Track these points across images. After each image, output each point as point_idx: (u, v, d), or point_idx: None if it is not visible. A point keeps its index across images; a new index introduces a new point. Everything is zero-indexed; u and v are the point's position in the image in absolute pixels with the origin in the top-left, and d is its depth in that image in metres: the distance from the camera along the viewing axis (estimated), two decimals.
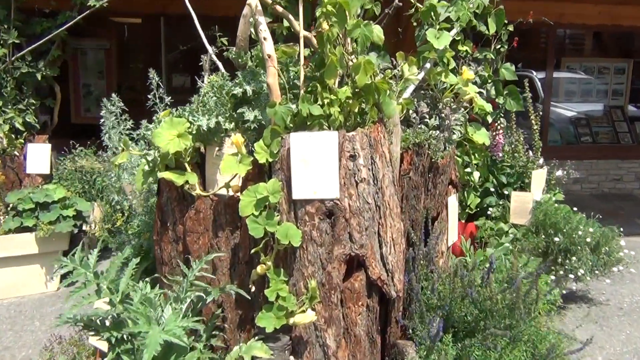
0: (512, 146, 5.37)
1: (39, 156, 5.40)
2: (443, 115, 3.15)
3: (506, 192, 5.38)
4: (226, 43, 3.22)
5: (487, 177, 5.20)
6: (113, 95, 4.58)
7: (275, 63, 2.60)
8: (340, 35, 2.58)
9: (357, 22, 2.48)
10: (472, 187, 5.20)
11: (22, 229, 4.68)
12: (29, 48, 5.23)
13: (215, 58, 3.26)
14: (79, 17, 5.18)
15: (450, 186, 3.33)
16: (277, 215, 2.55)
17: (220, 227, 2.70)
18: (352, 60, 2.60)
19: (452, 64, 3.19)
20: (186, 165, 2.75)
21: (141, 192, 3.56)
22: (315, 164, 2.45)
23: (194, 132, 2.72)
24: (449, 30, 3.29)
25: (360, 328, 2.56)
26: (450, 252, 3.36)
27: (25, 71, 5.30)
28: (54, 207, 4.79)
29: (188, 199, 2.75)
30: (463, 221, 4.83)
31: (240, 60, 2.98)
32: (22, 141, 5.40)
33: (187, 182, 2.66)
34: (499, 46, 5.21)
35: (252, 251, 2.56)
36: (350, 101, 2.63)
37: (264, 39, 2.60)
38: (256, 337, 2.58)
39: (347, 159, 2.46)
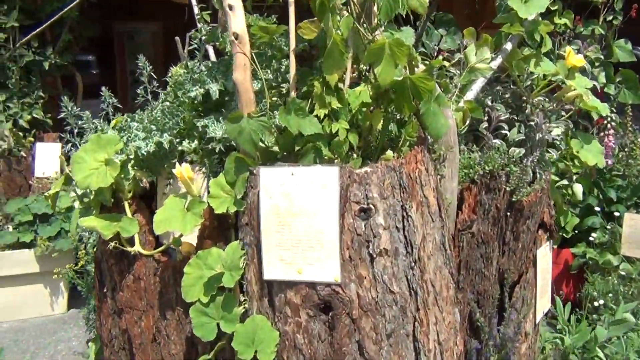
0: (626, 150, 4.04)
1: (48, 157, 4.71)
2: (532, 123, 2.00)
3: (616, 212, 4.04)
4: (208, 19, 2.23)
5: (590, 189, 3.92)
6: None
7: (246, 47, 1.57)
8: None
9: None
10: (570, 203, 3.93)
11: (21, 244, 4.04)
12: (33, 32, 4.50)
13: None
14: None
15: (540, 231, 2.17)
16: (243, 304, 1.55)
17: (169, 304, 1.74)
18: (374, 40, 1.52)
19: (548, 44, 2.03)
20: (125, 205, 1.81)
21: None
22: (301, 221, 1.42)
23: (133, 156, 1.77)
24: None
25: None
26: (538, 329, 2.22)
27: (31, 59, 4.57)
28: (55, 219, 4.08)
29: (129, 256, 1.80)
30: (555, 247, 3.65)
31: (217, 43, 1.98)
32: (32, 139, 4.72)
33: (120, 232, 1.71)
34: (610, 17, 3.87)
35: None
36: (370, 110, 1.56)
37: (230, 8, 1.57)
38: None
39: (354, 216, 1.40)
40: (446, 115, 1.69)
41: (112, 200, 1.84)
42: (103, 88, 2.67)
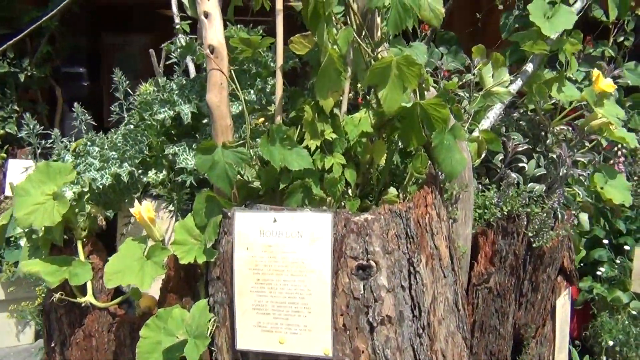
0: (636, 179, 3.81)
1: (21, 175, 4.40)
2: (554, 156, 1.74)
3: (626, 246, 3.80)
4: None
5: (597, 219, 3.67)
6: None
7: (224, 63, 1.30)
8: (353, 5, 1.25)
9: None
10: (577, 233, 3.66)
11: None
12: (8, 43, 4.22)
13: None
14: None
15: (560, 278, 1.91)
16: None
17: None
18: (378, 57, 1.26)
19: (574, 67, 1.78)
20: (79, 245, 1.52)
21: None
22: (285, 280, 1.14)
23: (87, 189, 1.48)
24: (569, 4, 1.86)
25: None
26: None
27: (5, 70, 4.29)
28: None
29: (81, 307, 1.51)
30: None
31: (195, 57, 1.71)
32: (5, 155, 4.41)
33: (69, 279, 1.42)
34: (621, 39, 3.66)
35: None
36: (371, 141, 1.30)
37: (205, 15, 1.31)
38: None
39: (351, 275, 1.13)
40: (461, 148, 1.43)
41: (65, 238, 1.56)
42: (75, 104, 2.39)
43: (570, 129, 1.84)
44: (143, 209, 1.29)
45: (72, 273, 1.44)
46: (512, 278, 1.61)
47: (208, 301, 1.26)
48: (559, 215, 1.78)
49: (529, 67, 1.70)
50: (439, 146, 1.24)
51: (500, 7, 3.09)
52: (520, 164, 1.76)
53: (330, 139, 1.23)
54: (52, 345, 1.61)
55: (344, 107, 1.31)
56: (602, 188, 1.92)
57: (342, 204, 1.29)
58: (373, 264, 1.12)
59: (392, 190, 1.32)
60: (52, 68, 4.74)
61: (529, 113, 1.88)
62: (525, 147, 1.76)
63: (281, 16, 1.33)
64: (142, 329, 1.26)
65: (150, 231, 1.32)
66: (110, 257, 1.32)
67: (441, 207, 1.29)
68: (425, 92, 1.34)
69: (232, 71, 1.34)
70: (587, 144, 1.91)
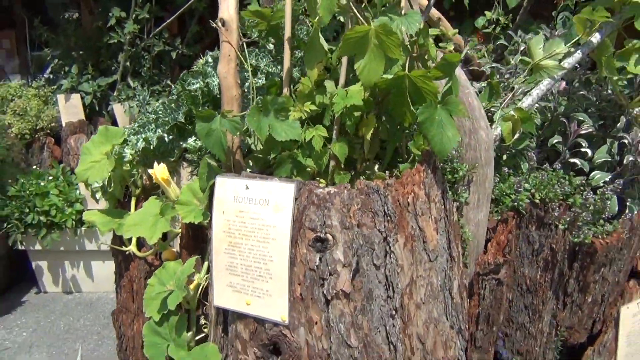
0: None
1: None
2: (626, 141, 1.50)
3: None
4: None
5: None
6: None
7: (233, 36, 1.36)
8: None
9: None
10: None
11: None
12: (163, 24, 4.74)
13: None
14: None
15: (632, 282, 1.66)
16: (203, 327, 1.36)
17: None
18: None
19: None
20: (132, 201, 1.73)
21: None
22: (252, 245, 1.18)
23: (137, 151, 1.67)
24: None
25: None
26: None
27: (160, 49, 4.84)
28: None
29: (129, 255, 1.72)
30: None
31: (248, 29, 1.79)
32: None
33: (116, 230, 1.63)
34: None
35: None
36: (365, 116, 1.26)
37: None
38: None
39: (308, 245, 1.13)
40: (477, 125, 1.32)
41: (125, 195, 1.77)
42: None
43: None
44: (158, 171, 1.42)
45: (119, 224, 1.64)
46: (547, 274, 1.46)
47: (203, 259, 1.35)
48: (627, 210, 1.55)
49: (596, 37, 1.48)
50: (428, 121, 1.17)
51: None
52: (583, 149, 1.56)
53: (309, 110, 1.23)
54: (116, 286, 1.86)
55: (342, 80, 1.29)
56: None
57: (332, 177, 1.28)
58: (330, 237, 1.11)
59: (375, 167, 1.28)
60: (202, 47, 5.21)
61: (598, 94, 1.64)
62: (589, 130, 1.55)
63: None
64: (150, 278, 1.40)
65: (167, 191, 1.45)
66: (132, 212, 1.48)
67: (433, 187, 1.22)
68: (431, 63, 1.26)
69: (244, 43, 1.40)
70: None
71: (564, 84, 1.61)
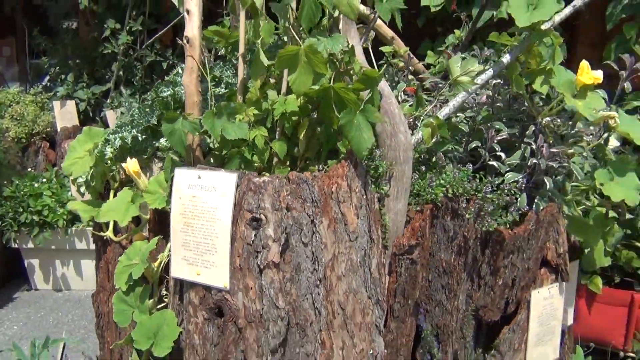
0: None
1: None
2: (534, 147, 1.76)
3: None
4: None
5: None
6: None
7: (196, 51, 1.62)
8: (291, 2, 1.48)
9: None
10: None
11: None
12: (154, 37, 5.02)
13: None
14: None
15: (543, 270, 1.91)
16: (164, 297, 1.61)
17: None
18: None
19: (558, 58, 1.75)
20: (111, 193, 1.98)
21: None
22: (202, 224, 1.44)
23: (116, 149, 1.92)
24: None
25: None
26: None
27: (152, 59, 5.11)
28: None
29: (106, 240, 1.97)
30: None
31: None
32: None
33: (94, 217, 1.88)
34: None
35: (112, 346, 1.67)
36: (301, 120, 1.52)
37: (187, 12, 1.64)
38: None
39: (246, 224, 1.38)
40: (397, 129, 1.58)
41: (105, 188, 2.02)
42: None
43: (560, 120, 1.83)
44: (130, 165, 1.67)
45: (97, 212, 1.88)
46: (460, 258, 1.71)
47: (167, 240, 1.60)
48: (535, 207, 1.80)
49: (506, 58, 1.75)
50: (347, 125, 1.42)
51: None
52: (497, 152, 1.82)
53: (253, 114, 1.49)
54: (96, 269, 2.10)
55: (283, 89, 1.55)
56: (602, 185, 1.88)
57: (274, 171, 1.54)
58: (263, 217, 1.36)
59: (313, 166, 1.53)
60: None
61: (516, 105, 1.90)
62: (504, 136, 1.81)
63: (243, 12, 1.61)
64: (121, 256, 1.65)
65: (137, 182, 1.70)
66: (108, 200, 1.73)
67: (354, 179, 1.47)
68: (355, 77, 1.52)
69: (206, 58, 1.66)
70: (585, 137, 1.87)
71: (484, 97, 1.87)
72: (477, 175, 1.70)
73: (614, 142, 3.59)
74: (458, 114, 1.89)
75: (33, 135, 4.47)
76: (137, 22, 4.98)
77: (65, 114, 4.67)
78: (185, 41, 1.64)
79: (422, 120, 1.67)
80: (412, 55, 2.39)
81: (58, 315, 3.68)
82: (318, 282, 1.43)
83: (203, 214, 1.43)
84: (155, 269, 1.58)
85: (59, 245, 3.77)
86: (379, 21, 2.18)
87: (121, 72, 4.98)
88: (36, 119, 4.57)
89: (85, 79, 4.89)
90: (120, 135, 1.79)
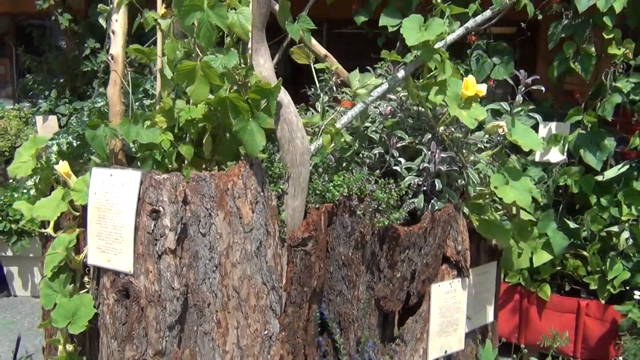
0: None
1: None
2: (429, 152, 1.95)
3: None
4: None
5: None
6: None
7: (119, 67, 1.84)
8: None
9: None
10: (620, 254, 3.60)
11: None
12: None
13: None
14: None
15: (445, 266, 2.10)
16: (86, 284, 1.80)
17: None
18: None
19: (448, 72, 1.94)
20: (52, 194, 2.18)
21: None
22: (112, 216, 1.64)
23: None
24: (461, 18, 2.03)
25: None
26: None
27: (132, 77, 5.35)
28: None
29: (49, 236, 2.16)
30: (603, 302, 3.41)
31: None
32: None
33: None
34: None
35: (38, 327, 1.86)
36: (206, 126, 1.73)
37: (112, 32, 1.86)
38: None
39: (147, 216, 1.58)
40: (294, 135, 1.78)
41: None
42: None
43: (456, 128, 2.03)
44: (60, 167, 1.88)
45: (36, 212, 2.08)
46: (358, 251, 1.89)
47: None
48: (430, 206, 1.99)
49: (400, 72, 1.95)
50: (241, 130, 1.63)
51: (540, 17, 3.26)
52: (397, 156, 2.02)
53: (162, 122, 1.69)
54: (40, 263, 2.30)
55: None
56: (495, 187, 2.06)
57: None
58: (161, 209, 1.56)
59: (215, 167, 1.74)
60: None
61: (415, 116, 2.11)
62: (404, 143, 2.01)
63: (161, 33, 1.83)
64: (49, 248, 1.85)
65: (68, 182, 1.90)
66: (42, 198, 1.94)
67: (250, 177, 1.67)
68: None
69: (129, 72, 1.87)
70: (481, 144, 2.07)
71: (389, 108, 2.07)
72: (374, 177, 1.89)
73: (557, 157, 3.78)
74: (367, 124, 2.10)
75: (16, 149, 4.69)
76: None
77: (47, 128, 4.89)
78: (110, 58, 1.85)
79: (322, 129, 1.87)
80: (343, 71, 2.61)
81: (33, 319, 3.86)
82: (214, 268, 1.62)
83: (113, 207, 1.63)
84: (79, 258, 1.78)
85: (36, 253, 3.95)
86: (313, 40, 2.39)
87: (101, 88, 5.21)
88: (19, 133, 4.81)
89: (68, 95, 5.12)
90: (57, 141, 2.00)
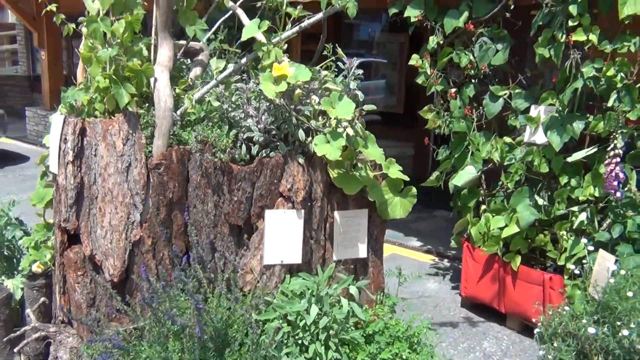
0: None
1: None
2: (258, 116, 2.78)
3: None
4: None
5: None
6: None
7: None
8: None
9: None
10: (583, 232, 3.98)
11: None
12: None
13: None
14: None
15: (281, 199, 2.92)
16: None
17: None
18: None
19: (271, 57, 2.70)
20: None
21: None
22: (54, 140, 2.86)
23: None
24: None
25: (79, 295, 2.86)
26: (278, 273, 2.95)
27: None
28: None
29: None
30: (566, 277, 3.90)
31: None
32: None
33: None
34: None
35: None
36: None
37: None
38: None
39: (63, 141, 2.76)
40: (160, 99, 2.79)
41: None
42: None
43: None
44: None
45: None
46: (204, 179, 2.84)
47: None
48: (263, 153, 2.83)
49: (243, 60, 2.81)
50: (117, 94, 2.70)
51: None
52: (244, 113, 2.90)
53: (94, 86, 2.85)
54: None
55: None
56: (316, 145, 2.81)
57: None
58: (67, 138, 2.73)
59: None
60: None
61: None
62: (250, 111, 2.88)
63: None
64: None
65: None
66: None
67: (123, 124, 2.74)
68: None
69: None
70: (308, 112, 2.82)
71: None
72: (217, 129, 2.82)
73: (542, 138, 4.17)
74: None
75: None
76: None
77: None
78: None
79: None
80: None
81: None
82: (98, 175, 2.74)
83: (54, 135, 2.84)
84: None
85: None
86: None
87: None
88: None
89: None
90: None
